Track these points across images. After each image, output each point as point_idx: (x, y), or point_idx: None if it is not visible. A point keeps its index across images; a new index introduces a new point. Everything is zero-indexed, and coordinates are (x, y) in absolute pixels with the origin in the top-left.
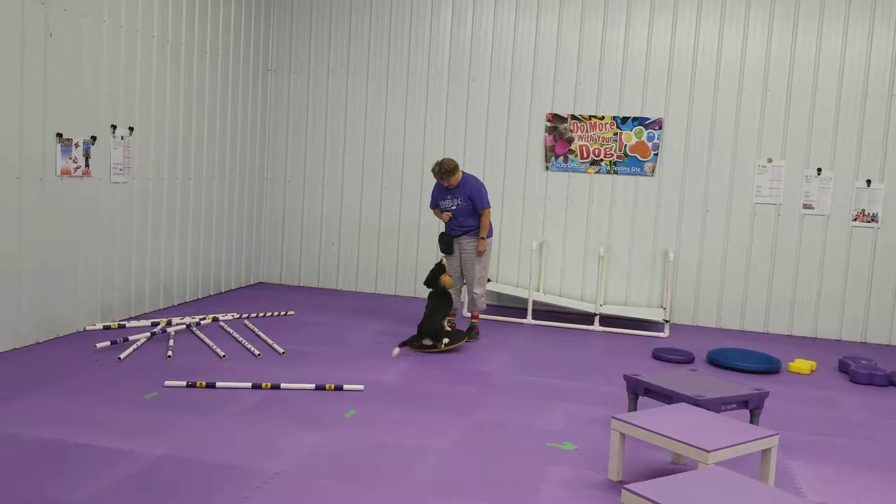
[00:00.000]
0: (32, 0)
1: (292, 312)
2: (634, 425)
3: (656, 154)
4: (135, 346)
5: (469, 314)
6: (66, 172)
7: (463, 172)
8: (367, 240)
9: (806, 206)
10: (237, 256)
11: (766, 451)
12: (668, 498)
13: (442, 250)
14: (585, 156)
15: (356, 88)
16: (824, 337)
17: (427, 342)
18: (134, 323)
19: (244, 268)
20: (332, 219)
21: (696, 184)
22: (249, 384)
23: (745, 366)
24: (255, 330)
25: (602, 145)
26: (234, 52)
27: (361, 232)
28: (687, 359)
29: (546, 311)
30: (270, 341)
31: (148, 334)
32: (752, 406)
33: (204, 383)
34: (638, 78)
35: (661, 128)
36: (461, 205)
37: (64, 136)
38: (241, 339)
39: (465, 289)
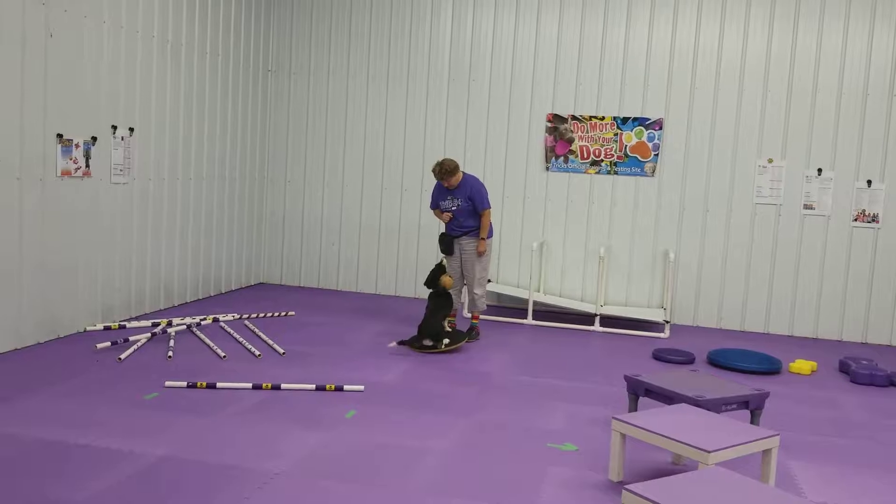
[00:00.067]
0: (33, 1)
1: (293, 313)
2: (635, 426)
3: (657, 154)
4: (135, 346)
5: (469, 315)
6: (66, 173)
7: (463, 173)
8: (367, 240)
9: (806, 207)
10: (237, 257)
11: (766, 452)
12: (669, 498)
13: (442, 251)
14: (586, 156)
15: (356, 89)
16: (825, 337)
17: (427, 343)
18: (134, 323)
19: (244, 268)
20: (333, 219)
21: (697, 184)
22: (250, 385)
23: (746, 366)
24: (256, 330)
25: (602, 146)
26: (234, 53)
27: (362, 233)
28: (687, 359)
29: (546, 312)
30: (271, 342)
31: (148, 335)
32: (752, 406)
33: (204, 384)
34: (638, 78)
35: (661, 128)
36: (461, 205)
37: (64, 137)
38: (241, 339)
39: (465, 289)
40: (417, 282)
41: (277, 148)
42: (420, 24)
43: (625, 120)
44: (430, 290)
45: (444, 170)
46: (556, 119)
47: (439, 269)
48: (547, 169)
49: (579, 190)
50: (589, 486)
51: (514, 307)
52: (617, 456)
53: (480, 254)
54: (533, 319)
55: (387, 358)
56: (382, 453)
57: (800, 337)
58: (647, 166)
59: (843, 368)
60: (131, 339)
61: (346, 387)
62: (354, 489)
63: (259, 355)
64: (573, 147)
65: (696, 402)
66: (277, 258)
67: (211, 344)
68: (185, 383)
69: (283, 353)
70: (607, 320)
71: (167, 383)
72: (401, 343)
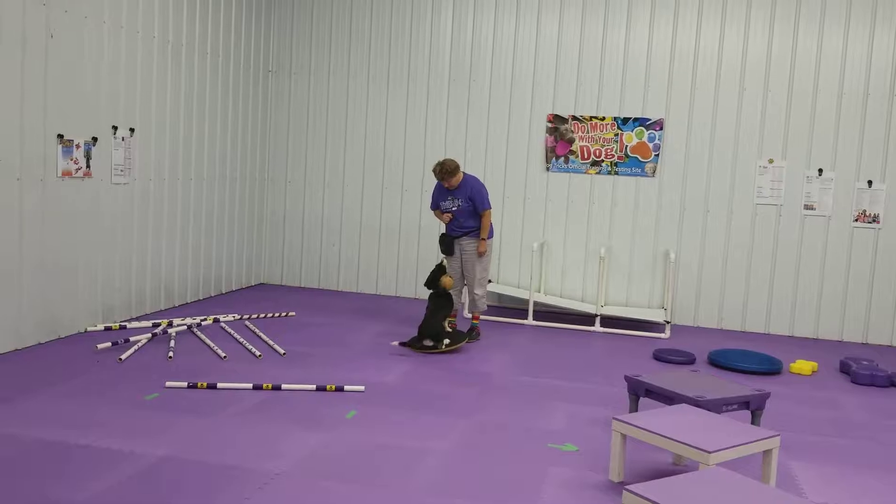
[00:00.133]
0: (33, 1)
1: (293, 313)
2: (635, 426)
3: (657, 155)
4: (136, 346)
5: (470, 315)
6: (67, 173)
7: (464, 173)
8: (367, 241)
9: (807, 207)
10: (238, 257)
11: (767, 452)
12: (670, 499)
13: (442, 251)
14: (586, 156)
15: (357, 89)
16: (825, 338)
17: (428, 343)
18: (135, 324)
19: (245, 269)
20: (333, 220)
21: (697, 184)
22: (250, 385)
23: (747, 367)
24: (256, 331)
25: (603, 146)
26: (234, 53)
27: (362, 233)
28: (688, 360)
29: (547, 312)
30: (271, 342)
31: (149, 335)
32: (753, 407)
33: (205, 384)
34: (639, 78)
35: (661, 128)
36: (462, 206)
37: (65, 138)
38: (242, 339)
39: (465, 290)
40: (418, 282)
41: (278, 148)
42: (420, 24)
43: (625, 120)
44: (431, 291)
45: (445, 170)
46: (556, 119)
47: (439, 270)
48: (547, 169)
49: (580, 190)
50: (589, 487)
51: (515, 307)
52: (617, 456)
53: (481, 254)
54: (533, 320)
55: (387, 358)
56: (383, 454)
57: (800, 337)
58: (648, 167)
59: (844, 369)
60: (132, 339)
61: (346, 387)
62: (355, 489)
63: (260, 356)
64: (574, 147)
65: (697, 403)
66: (278, 258)
67: (211, 344)
68: (185, 384)
69: (284, 354)
70: (608, 321)
71: (168, 384)
72: (402, 344)
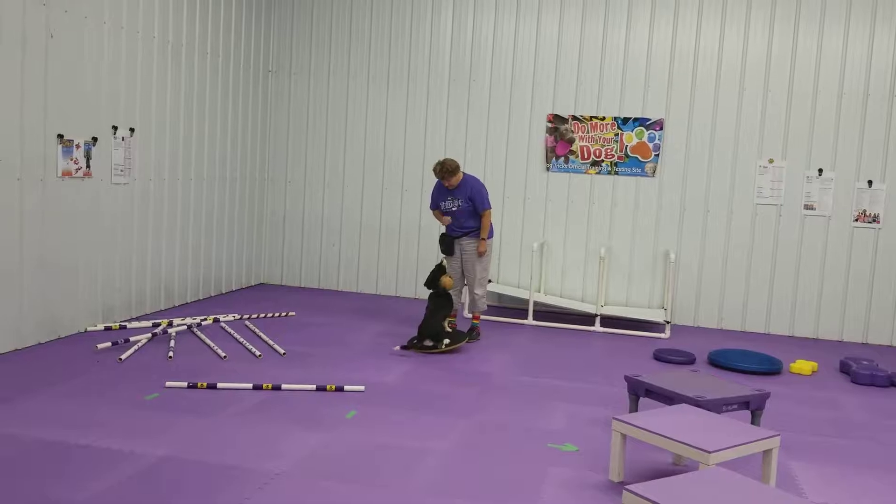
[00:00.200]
0: (34, 1)
1: (293, 313)
2: (635, 426)
3: (657, 155)
4: (136, 346)
5: (470, 315)
6: (67, 173)
7: (464, 173)
8: (367, 241)
9: (807, 207)
10: (238, 257)
11: (767, 452)
12: (670, 499)
13: (443, 251)
14: (586, 156)
15: (357, 90)
16: (825, 338)
17: (428, 343)
18: (135, 324)
19: (245, 269)
20: (333, 220)
21: (698, 184)
22: (250, 385)
23: (747, 367)
24: (256, 331)
25: (603, 146)
26: (234, 54)
27: (362, 233)
28: (688, 360)
29: (547, 312)
30: (271, 342)
31: (149, 335)
32: (753, 407)
33: (205, 384)
34: (639, 78)
35: (661, 128)
36: (462, 206)
37: (65, 138)
38: (242, 339)
39: (465, 289)
40: (418, 282)
41: (278, 148)
42: (420, 24)
43: (625, 120)
44: (430, 291)
45: (446, 169)
46: (556, 119)
47: (439, 270)
48: (547, 169)
49: (580, 190)
50: (589, 487)
51: (515, 307)
52: (617, 456)
53: (481, 254)
54: (533, 320)
55: (387, 358)
56: (383, 454)
57: (800, 337)
58: (648, 167)
59: (844, 369)
60: (132, 339)
61: (346, 387)
62: (355, 490)
63: (260, 356)
64: (574, 147)
65: (697, 403)
66: (278, 258)
67: (211, 344)
68: (185, 384)
69: (284, 354)
70: (608, 321)
71: (168, 384)
72: (404, 348)
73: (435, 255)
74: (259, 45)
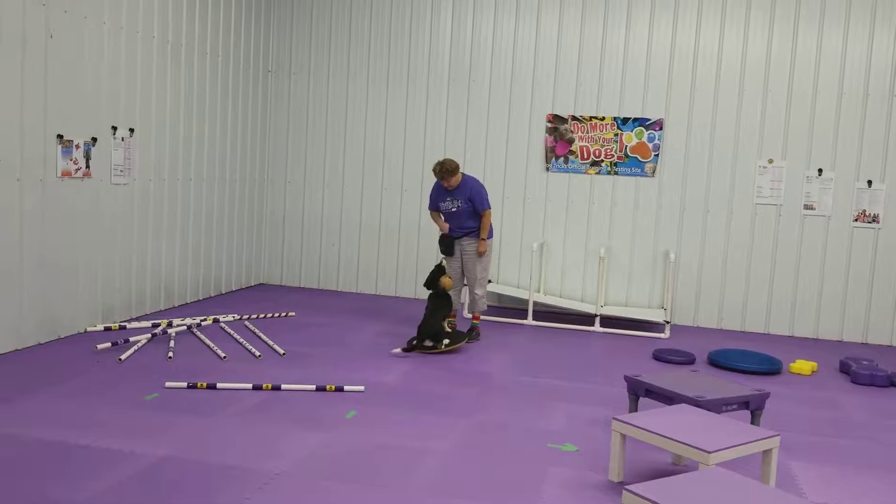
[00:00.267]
0: (33, 1)
1: (293, 313)
2: (635, 426)
3: (657, 155)
4: (136, 347)
5: (470, 315)
6: (66, 174)
7: (463, 174)
8: (367, 241)
9: (807, 207)
10: (238, 257)
11: (767, 452)
12: (669, 499)
13: (442, 252)
14: (586, 157)
15: (356, 90)
16: (825, 338)
17: (427, 343)
18: (135, 324)
19: (245, 269)
20: (333, 220)
21: (697, 185)
22: (250, 385)
23: (746, 367)
24: (256, 331)
25: (603, 146)
26: (234, 54)
27: (362, 233)
28: (688, 360)
29: (547, 312)
30: (271, 342)
31: (149, 335)
32: (753, 407)
33: (205, 384)
34: (638, 79)
35: (661, 129)
36: (461, 206)
37: (65, 138)
38: (241, 340)
39: (465, 290)
40: (417, 282)
41: (277, 148)
42: (420, 24)
43: (625, 120)
44: (430, 291)
45: (445, 169)
46: (556, 119)
47: (439, 270)
48: (547, 169)
49: (579, 190)
50: (589, 487)
51: (515, 308)
52: (617, 456)
53: (481, 254)
54: (533, 320)
55: (387, 359)
56: (383, 454)
57: (800, 337)
58: (648, 167)
59: (844, 369)
60: (132, 339)
61: (346, 387)
62: (355, 490)
63: (259, 356)
64: (573, 147)
65: (697, 403)
66: (277, 259)
67: (211, 344)
68: (185, 384)
69: (284, 354)
70: (607, 321)
71: (167, 384)
72: (405, 350)
73: (434, 256)
74: (259, 46)
